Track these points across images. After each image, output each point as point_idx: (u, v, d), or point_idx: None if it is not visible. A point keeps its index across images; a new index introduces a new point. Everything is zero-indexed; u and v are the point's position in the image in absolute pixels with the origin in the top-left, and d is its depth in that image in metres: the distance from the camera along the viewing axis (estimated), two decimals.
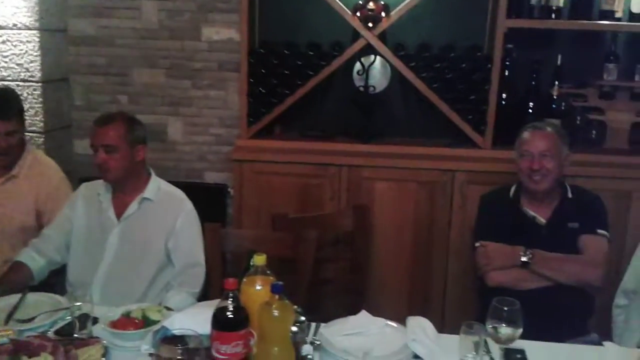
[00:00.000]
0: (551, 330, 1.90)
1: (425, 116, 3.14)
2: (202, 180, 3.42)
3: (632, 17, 2.84)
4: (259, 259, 1.45)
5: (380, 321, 1.78)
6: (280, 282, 1.37)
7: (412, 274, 3.01)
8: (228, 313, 1.35)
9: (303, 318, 1.56)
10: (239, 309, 1.36)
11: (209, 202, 3.30)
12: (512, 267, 2.15)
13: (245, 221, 3.01)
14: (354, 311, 1.84)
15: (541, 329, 1.85)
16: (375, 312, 1.82)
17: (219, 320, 1.36)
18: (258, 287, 1.43)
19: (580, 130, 3.03)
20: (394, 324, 1.77)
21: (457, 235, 2.88)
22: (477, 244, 2.27)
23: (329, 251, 2.82)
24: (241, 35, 3.01)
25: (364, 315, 1.81)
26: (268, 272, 1.46)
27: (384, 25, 2.94)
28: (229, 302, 1.36)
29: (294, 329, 1.51)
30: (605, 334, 2.27)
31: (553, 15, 2.84)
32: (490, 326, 1.51)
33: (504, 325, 1.50)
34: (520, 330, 1.50)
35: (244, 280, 1.45)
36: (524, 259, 2.12)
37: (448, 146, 3.01)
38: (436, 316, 2.94)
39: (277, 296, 1.35)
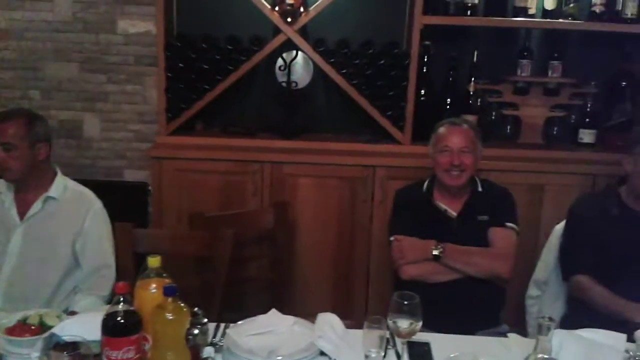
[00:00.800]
0: (463, 322, 1.95)
1: (347, 112, 3.15)
2: (121, 179, 3.32)
3: (546, 13, 2.93)
4: (153, 261, 1.40)
5: (290, 319, 1.76)
6: (174, 284, 1.33)
7: (335, 268, 3.02)
8: (118, 318, 1.30)
9: (205, 320, 1.53)
10: (129, 313, 1.31)
11: (129, 201, 3.22)
12: (424, 261, 2.18)
13: (166, 220, 2.93)
14: (277, 308, 1.82)
15: (453, 320, 1.89)
16: (299, 307, 1.82)
17: (109, 326, 1.31)
18: (152, 290, 1.38)
19: (496, 126, 3.11)
20: (304, 321, 1.76)
21: (379, 230, 2.89)
22: (391, 238, 2.29)
23: (251, 249, 2.80)
24: (158, 28, 2.93)
25: (273, 314, 1.79)
26: (164, 274, 1.41)
27: (303, 20, 2.92)
28: (120, 306, 1.31)
29: (195, 331, 1.48)
30: (520, 325, 2.34)
31: (468, 12, 2.89)
32: (391, 320, 1.52)
33: (404, 319, 1.51)
34: (420, 324, 1.52)
35: (137, 283, 1.40)
36: (435, 252, 2.15)
37: (369, 142, 3.03)
38: (360, 309, 2.97)
39: (170, 299, 1.31)
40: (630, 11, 2.86)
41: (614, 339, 1.53)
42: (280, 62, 3.05)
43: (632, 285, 2.06)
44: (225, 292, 2.27)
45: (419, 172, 2.68)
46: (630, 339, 1.67)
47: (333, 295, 3.04)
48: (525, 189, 2.86)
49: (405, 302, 1.51)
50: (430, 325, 1.87)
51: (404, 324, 1.51)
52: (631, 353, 1.64)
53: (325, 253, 3.00)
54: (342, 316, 1.73)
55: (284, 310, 1.85)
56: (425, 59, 3.02)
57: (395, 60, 2.92)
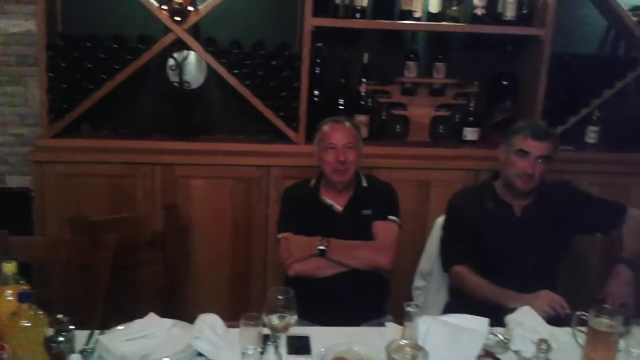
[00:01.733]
0: (349, 314, 1.98)
1: (242, 113, 3.14)
2: (3, 185, 3.14)
3: (430, 16, 3.06)
4: (9, 267, 1.33)
5: (167, 322, 1.73)
6: (28, 290, 1.27)
7: (232, 269, 3.00)
8: None
9: (72, 327, 1.47)
10: None
11: (12, 208, 3.05)
12: (311, 257, 2.21)
13: (50, 228, 2.80)
14: (171, 313, 1.79)
15: (340, 313, 1.93)
16: (195, 310, 1.76)
17: None
18: (9, 297, 1.32)
19: (387, 125, 3.21)
20: (183, 323, 1.73)
21: (274, 229, 2.90)
22: (279, 236, 2.30)
23: (142, 254, 2.72)
24: (39, 26, 2.80)
25: (150, 317, 1.75)
26: (21, 281, 1.35)
27: (193, 19, 2.88)
28: None
29: (60, 338, 1.42)
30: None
31: (357, 15, 2.97)
32: (266, 316, 1.52)
33: (279, 313, 1.52)
34: (294, 318, 1.53)
35: None
36: (320, 247, 2.19)
37: (264, 142, 3.04)
38: (258, 309, 2.95)
39: (25, 305, 1.25)
40: (509, 13, 3.03)
41: (478, 323, 1.61)
42: (171, 61, 2.99)
43: (506, 273, 2.18)
44: (115, 299, 2.20)
45: (312, 171, 2.70)
46: (502, 324, 1.78)
47: (230, 295, 3.02)
48: (413, 185, 2.96)
49: (279, 297, 1.52)
50: (317, 319, 1.91)
51: (278, 318, 1.52)
52: (500, 336, 1.75)
53: (221, 254, 2.97)
54: (239, 316, 1.70)
55: (179, 314, 1.82)
56: (318, 61, 3.07)
57: (287, 61, 2.95)
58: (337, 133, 2.30)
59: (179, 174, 2.87)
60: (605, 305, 1.70)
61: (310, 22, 2.87)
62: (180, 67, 2.97)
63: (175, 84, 3.01)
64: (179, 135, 3.01)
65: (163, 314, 1.78)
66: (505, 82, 3.25)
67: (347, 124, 2.36)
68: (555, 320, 1.89)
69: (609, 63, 3.18)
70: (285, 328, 1.54)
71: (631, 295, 2.08)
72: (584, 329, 1.67)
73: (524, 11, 3.05)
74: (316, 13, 2.88)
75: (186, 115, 3.08)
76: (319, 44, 3.05)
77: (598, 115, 3.20)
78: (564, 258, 2.32)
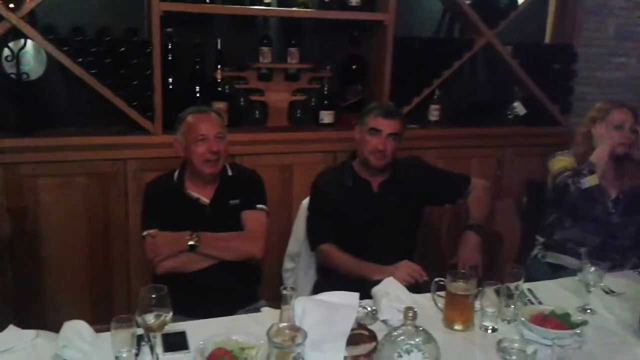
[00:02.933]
0: (223, 304, 1.98)
1: (91, 104, 2.95)
2: None
3: (281, 2, 3.09)
4: None
5: (30, 333, 1.61)
6: None
7: (92, 270, 2.85)
8: None
9: None
10: None
11: None
12: (180, 253, 2.16)
13: None
14: (27, 323, 1.65)
15: (213, 304, 1.91)
16: (59, 317, 1.64)
17: None
18: None
19: (245, 111, 3.21)
20: (47, 333, 1.62)
21: (136, 225, 2.77)
22: (144, 234, 2.22)
23: None
24: None
25: (10, 330, 1.62)
26: None
27: (29, 5, 2.65)
28: None
29: None
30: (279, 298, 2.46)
31: (207, 0, 2.92)
32: (140, 316, 1.48)
33: (153, 312, 1.48)
34: (170, 315, 1.50)
35: None
36: (190, 242, 2.14)
37: (117, 134, 2.89)
38: (123, 309, 2.83)
39: None
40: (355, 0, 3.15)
41: (349, 298, 1.69)
42: (6, 52, 2.73)
43: (368, 247, 2.31)
44: None
45: (172, 162, 2.63)
46: (369, 296, 1.89)
47: (93, 299, 2.86)
48: (276, 169, 3.01)
49: (153, 296, 1.48)
50: (191, 313, 1.88)
51: (153, 317, 1.48)
52: (369, 308, 1.85)
53: (78, 257, 2.81)
54: (104, 319, 1.62)
55: (41, 324, 1.70)
56: (170, 47, 2.97)
57: (136, 48, 2.82)
58: (205, 124, 2.23)
59: (23, 173, 2.65)
60: (459, 270, 1.88)
61: (159, 6, 2.75)
62: (16, 57, 2.72)
63: (12, 76, 2.76)
64: (20, 132, 2.76)
65: (23, 325, 1.65)
66: (355, 66, 3.38)
67: (213, 114, 2.31)
68: (415, 287, 2.05)
69: (446, 44, 3.43)
70: (161, 326, 1.50)
71: (480, 258, 2.30)
72: (442, 293, 1.83)
73: None
74: None
75: (26, 109, 2.83)
76: (170, 30, 2.95)
77: (439, 94, 3.46)
78: (418, 229, 2.50)
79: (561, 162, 2.56)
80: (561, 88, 3.59)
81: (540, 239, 2.65)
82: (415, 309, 1.45)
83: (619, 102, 2.57)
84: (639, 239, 2.54)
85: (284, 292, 1.55)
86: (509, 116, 3.59)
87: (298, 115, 3.32)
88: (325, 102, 3.28)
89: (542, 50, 3.61)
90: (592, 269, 1.89)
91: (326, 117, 3.26)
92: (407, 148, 2.93)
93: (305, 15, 3.13)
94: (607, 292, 2.03)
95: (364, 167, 2.41)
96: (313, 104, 3.34)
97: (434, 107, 3.48)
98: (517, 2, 3.39)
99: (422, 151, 3.12)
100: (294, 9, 3.07)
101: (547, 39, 3.71)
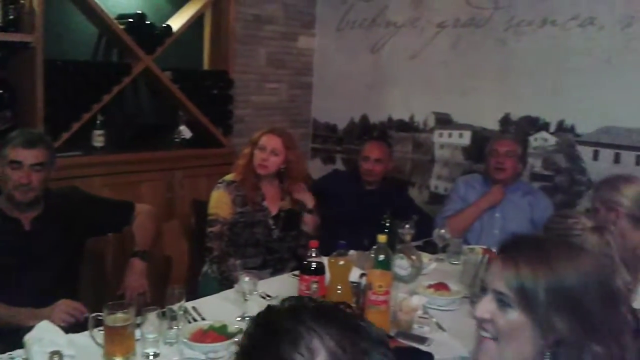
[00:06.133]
0: None
1: None
2: None
3: None
4: None
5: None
6: None
7: None
8: None
9: None
10: None
11: None
12: None
13: None
14: None
15: None
16: None
17: None
18: None
19: None
20: None
21: None
22: None
23: None
24: None
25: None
26: None
27: None
28: None
29: None
30: None
31: None
32: None
33: None
34: None
35: None
36: None
37: None
38: None
39: None
40: None
41: None
42: None
43: (23, 291, 2.10)
44: None
45: None
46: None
47: None
48: None
49: None
50: None
51: None
52: (19, 359, 1.66)
53: None
54: None
55: None
56: None
57: None
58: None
59: None
60: (119, 302, 1.82)
61: None
62: None
63: None
64: None
65: None
66: (1, 91, 3.04)
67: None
68: (78, 326, 1.92)
69: (104, 69, 3.34)
70: None
71: (147, 284, 2.29)
72: (102, 328, 1.75)
73: (11, 17, 2.91)
74: None
75: None
76: None
77: (102, 119, 3.34)
78: (80, 262, 2.37)
79: (215, 203, 2.67)
80: (221, 112, 3.82)
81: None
82: (62, 351, 1.36)
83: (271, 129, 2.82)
84: (296, 252, 2.83)
85: None
86: (176, 140, 3.67)
87: None
88: None
89: (201, 76, 3.79)
90: (247, 278, 2.04)
91: None
92: (69, 177, 2.77)
93: None
94: (264, 297, 2.22)
95: (11, 204, 2.18)
96: None
97: (97, 132, 3.34)
98: (171, 29, 3.49)
99: (88, 179, 2.98)
100: None
101: (206, 66, 3.92)
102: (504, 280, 1.14)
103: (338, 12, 4.47)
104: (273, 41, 4.37)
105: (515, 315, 1.12)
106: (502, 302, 1.14)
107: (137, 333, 1.76)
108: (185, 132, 3.67)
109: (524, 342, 1.11)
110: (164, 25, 3.50)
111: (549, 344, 1.10)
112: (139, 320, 1.76)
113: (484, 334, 1.16)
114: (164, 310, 1.83)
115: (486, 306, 1.16)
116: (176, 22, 3.57)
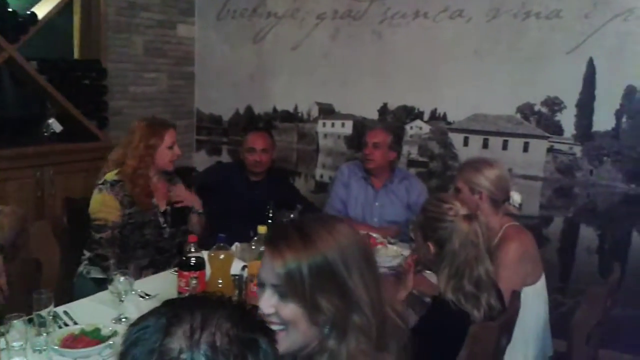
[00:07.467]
0: None
1: None
2: None
3: None
4: None
5: None
6: None
7: None
8: None
9: None
10: None
11: None
12: None
13: None
14: None
15: None
16: None
17: None
18: None
19: None
20: None
21: None
22: None
23: None
24: None
25: None
26: None
27: None
28: None
29: None
30: None
31: None
32: None
33: None
34: None
35: None
36: None
37: None
38: None
39: None
40: None
41: None
42: None
43: None
44: None
45: None
46: None
47: None
48: None
49: None
50: None
51: None
52: None
53: None
54: None
55: None
56: None
57: None
58: None
59: None
60: None
61: None
62: None
63: None
64: None
65: None
66: None
67: None
68: None
69: None
70: None
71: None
72: None
73: None
74: None
75: None
76: None
77: None
78: None
79: (100, 207, 2.54)
80: (95, 103, 3.64)
81: (87, 254, 2.62)
82: None
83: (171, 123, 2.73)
84: (181, 247, 2.74)
85: None
86: (45, 134, 3.44)
87: None
88: None
89: (70, 66, 3.57)
90: (122, 278, 1.96)
91: None
92: None
93: None
94: (142, 297, 2.14)
95: None
96: None
97: None
98: (37, 17, 3.26)
99: None
100: None
101: (76, 55, 3.70)
102: (274, 271, 1.15)
103: (218, 1, 4.39)
104: (150, 29, 4.21)
105: (292, 304, 1.14)
106: (280, 294, 1.15)
107: (2, 342, 1.64)
108: (55, 125, 3.45)
109: (307, 326, 1.15)
110: (28, 12, 3.26)
111: (320, 325, 1.14)
112: (2, 329, 1.65)
113: (274, 327, 1.12)
114: (31, 317, 1.72)
115: (268, 301, 1.16)
116: (42, 9, 3.33)
